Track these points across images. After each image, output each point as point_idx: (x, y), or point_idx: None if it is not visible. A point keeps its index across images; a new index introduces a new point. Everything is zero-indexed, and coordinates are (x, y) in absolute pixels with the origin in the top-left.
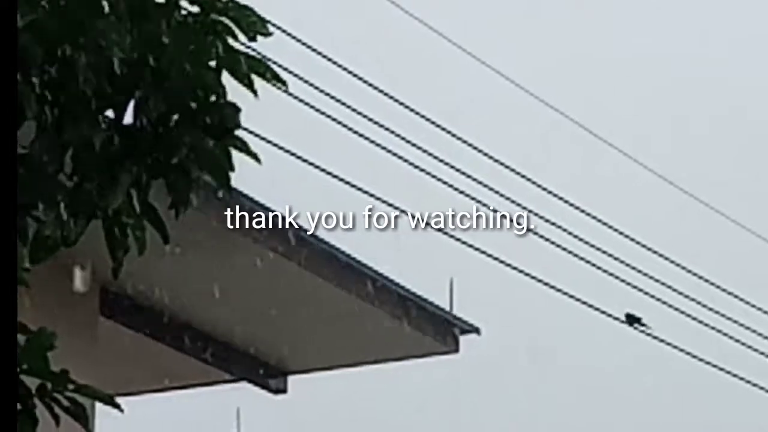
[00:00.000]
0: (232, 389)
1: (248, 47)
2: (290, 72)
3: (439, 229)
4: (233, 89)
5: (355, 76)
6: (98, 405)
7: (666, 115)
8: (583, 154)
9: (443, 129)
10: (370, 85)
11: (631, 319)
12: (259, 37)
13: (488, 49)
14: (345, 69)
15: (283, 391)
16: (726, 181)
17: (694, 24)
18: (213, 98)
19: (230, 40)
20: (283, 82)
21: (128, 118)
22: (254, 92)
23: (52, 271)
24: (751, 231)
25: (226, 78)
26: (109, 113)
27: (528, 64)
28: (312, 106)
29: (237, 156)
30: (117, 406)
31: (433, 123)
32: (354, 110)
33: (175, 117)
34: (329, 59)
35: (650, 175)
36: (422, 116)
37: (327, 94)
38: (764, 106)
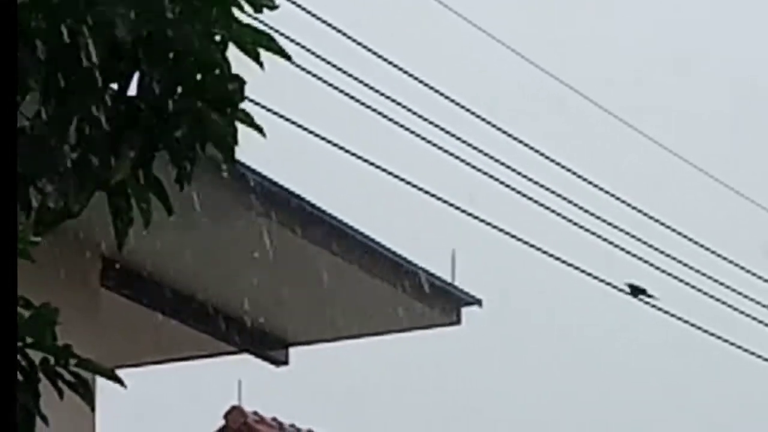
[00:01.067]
0: (234, 361)
1: (255, 19)
2: (297, 43)
3: (442, 199)
4: (238, 62)
5: (360, 44)
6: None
7: (667, 81)
8: (585, 124)
9: (449, 99)
10: (377, 54)
11: (635, 290)
12: (266, 10)
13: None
14: (353, 40)
15: (285, 362)
16: (730, 152)
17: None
18: (217, 71)
19: (236, 12)
20: (288, 56)
21: (132, 91)
22: (260, 64)
23: (54, 242)
24: (754, 201)
25: (231, 50)
26: (114, 86)
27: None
28: (318, 77)
29: (241, 129)
30: (120, 381)
31: (437, 92)
32: (360, 81)
33: (180, 90)
34: (337, 29)
35: (654, 146)
36: (427, 85)
37: (333, 66)
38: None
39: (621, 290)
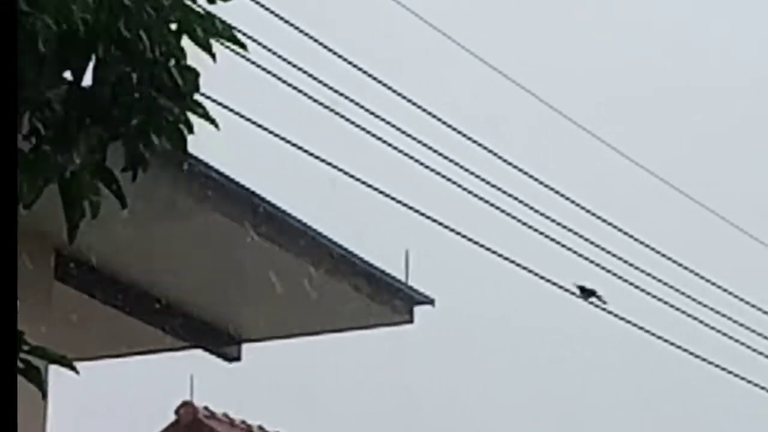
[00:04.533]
0: (186, 356)
1: (207, 11)
2: (251, 38)
3: (395, 199)
4: (194, 54)
5: (311, 38)
6: (52, 368)
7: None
8: (542, 126)
9: (405, 98)
10: (328, 49)
11: (586, 293)
12: (219, 2)
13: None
14: (305, 34)
15: (237, 359)
16: (677, 151)
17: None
18: (172, 61)
19: (189, 3)
20: (243, 46)
21: (87, 80)
22: (212, 56)
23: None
24: (707, 207)
25: (186, 43)
26: (68, 74)
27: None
28: (271, 73)
29: (195, 121)
30: (72, 368)
31: (392, 90)
32: (313, 77)
33: (134, 79)
34: (291, 24)
35: (602, 146)
36: (380, 82)
37: (287, 61)
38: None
39: (572, 292)
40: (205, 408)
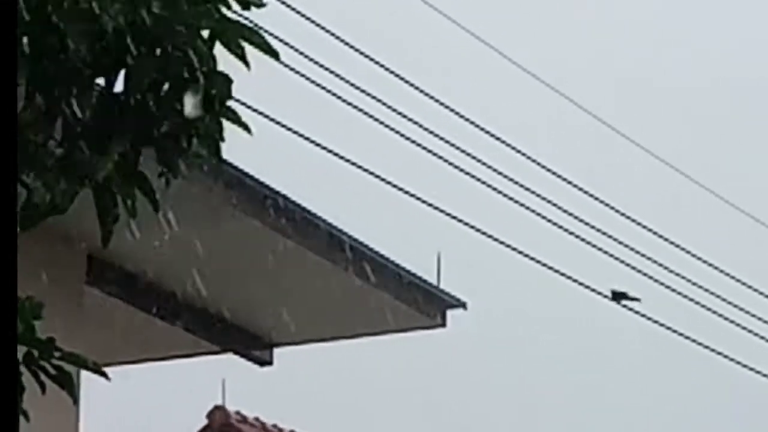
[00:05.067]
0: (219, 360)
1: (241, 16)
2: (284, 42)
3: (427, 202)
4: (226, 62)
5: (346, 44)
6: (84, 373)
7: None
8: (576, 131)
9: (438, 101)
10: (362, 53)
11: (618, 296)
12: (253, 8)
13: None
14: (339, 38)
15: (269, 363)
16: (711, 156)
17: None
18: (204, 68)
19: (223, 9)
20: (275, 54)
21: (119, 87)
22: (246, 63)
23: (40, 238)
24: (740, 208)
25: (219, 50)
26: (100, 81)
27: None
28: (305, 76)
29: (227, 126)
30: (103, 374)
31: (426, 94)
32: (346, 81)
33: (166, 86)
34: (322, 28)
35: (638, 150)
36: (416, 87)
37: (319, 64)
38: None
39: (605, 296)
40: (237, 412)
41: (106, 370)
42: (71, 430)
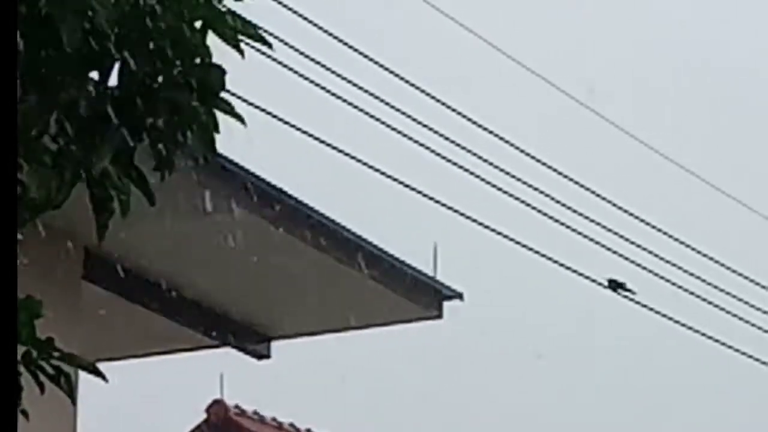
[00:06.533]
0: (217, 354)
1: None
2: (276, 37)
3: (424, 194)
4: (219, 52)
5: (340, 41)
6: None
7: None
8: (570, 121)
9: (433, 97)
10: (356, 50)
11: (614, 285)
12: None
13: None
14: (336, 37)
15: (267, 356)
16: (704, 143)
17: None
18: (198, 60)
19: (215, 1)
20: (269, 44)
21: (113, 80)
22: (241, 53)
23: (36, 234)
24: (736, 198)
25: (213, 41)
26: (94, 74)
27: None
28: (295, 71)
29: (221, 118)
30: (101, 376)
31: (421, 90)
32: (341, 76)
33: (160, 78)
34: (310, 21)
35: (632, 141)
36: (403, 79)
37: (315, 61)
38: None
39: (601, 284)
40: (236, 406)
41: (105, 364)
42: (69, 430)
